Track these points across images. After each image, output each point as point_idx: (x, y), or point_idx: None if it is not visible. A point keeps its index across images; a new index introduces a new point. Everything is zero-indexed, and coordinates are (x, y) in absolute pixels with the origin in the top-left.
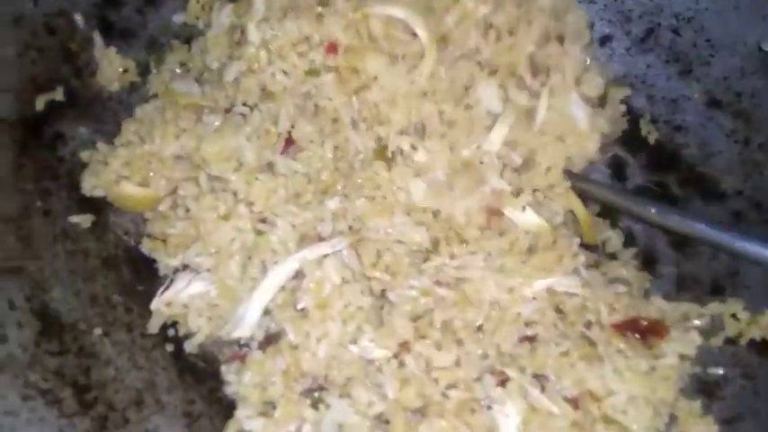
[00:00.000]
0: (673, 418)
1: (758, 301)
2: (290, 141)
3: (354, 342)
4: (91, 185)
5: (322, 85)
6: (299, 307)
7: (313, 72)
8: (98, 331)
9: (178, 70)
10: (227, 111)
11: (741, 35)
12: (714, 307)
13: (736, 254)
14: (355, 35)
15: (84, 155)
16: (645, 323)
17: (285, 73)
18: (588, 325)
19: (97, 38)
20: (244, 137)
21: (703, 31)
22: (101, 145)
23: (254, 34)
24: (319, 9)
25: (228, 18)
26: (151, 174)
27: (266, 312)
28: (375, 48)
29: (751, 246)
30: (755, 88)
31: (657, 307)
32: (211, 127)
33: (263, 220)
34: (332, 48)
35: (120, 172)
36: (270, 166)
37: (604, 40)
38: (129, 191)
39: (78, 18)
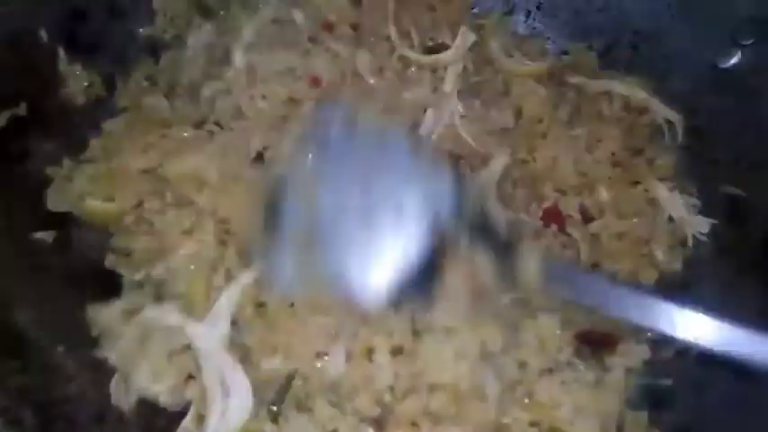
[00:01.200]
0: (620, 429)
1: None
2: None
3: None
4: (55, 201)
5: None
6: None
7: (294, 100)
8: (61, 348)
9: (145, 84)
10: (197, 126)
11: (698, 52)
12: None
13: None
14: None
15: (50, 170)
16: (596, 335)
17: (264, 97)
18: None
19: (62, 52)
20: (206, 155)
21: (661, 46)
22: (66, 161)
23: (239, 59)
24: (309, 45)
25: (207, 36)
26: (117, 189)
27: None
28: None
29: None
30: (710, 104)
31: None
32: (177, 142)
33: (227, 232)
34: (315, 81)
35: (84, 188)
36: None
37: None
38: (94, 206)
39: (42, 33)
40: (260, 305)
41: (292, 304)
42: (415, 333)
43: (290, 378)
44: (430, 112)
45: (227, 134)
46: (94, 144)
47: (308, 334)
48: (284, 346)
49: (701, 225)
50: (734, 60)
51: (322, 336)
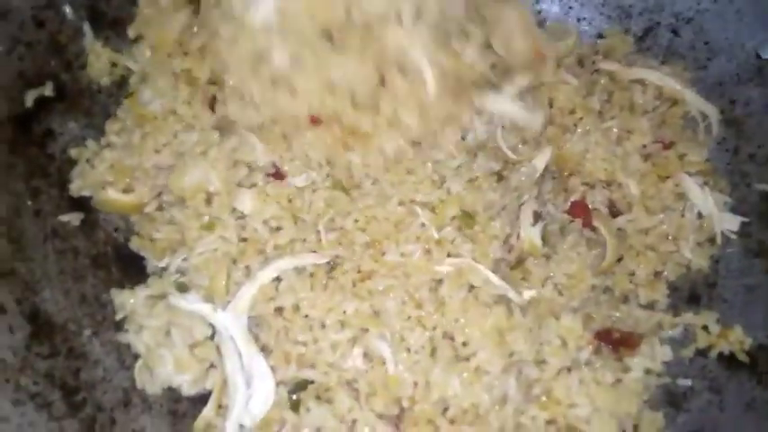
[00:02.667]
0: (635, 428)
1: (732, 315)
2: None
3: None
4: (78, 187)
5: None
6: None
7: None
8: (87, 332)
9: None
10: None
11: (740, 40)
12: (688, 318)
13: None
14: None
15: (74, 152)
16: (617, 334)
17: None
18: None
19: (87, 29)
20: (209, 164)
21: (702, 33)
22: (90, 143)
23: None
24: None
25: None
26: (135, 181)
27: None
28: None
29: None
30: (750, 96)
31: (633, 315)
32: (187, 145)
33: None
34: (314, 120)
35: (105, 176)
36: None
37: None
38: (114, 197)
39: (67, 9)
40: (277, 309)
41: (306, 315)
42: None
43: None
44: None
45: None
46: (111, 129)
47: (323, 346)
48: (299, 355)
49: (731, 223)
50: None
51: (339, 347)
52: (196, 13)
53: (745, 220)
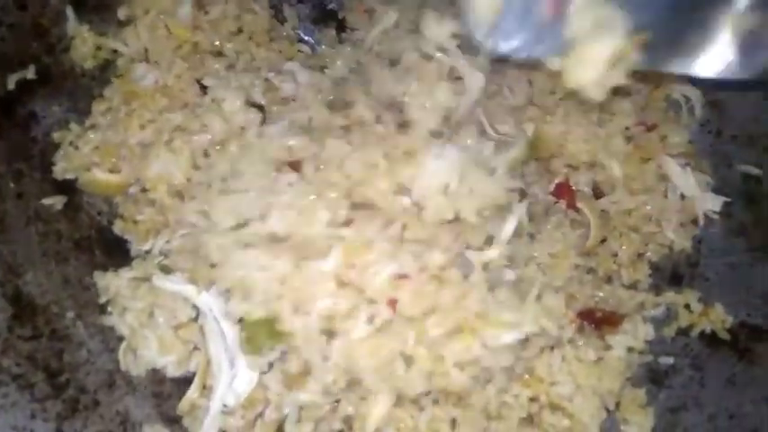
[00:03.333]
0: (617, 405)
1: (713, 294)
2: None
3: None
4: (62, 169)
5: None
6: None
7: None
8: (71, 314)
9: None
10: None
11: None
12: (670, 296)
13: None
14: None
15: (57, 135)
16: (600, 314)
17: None
18: None
19: (70, 12)
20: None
21: None
22: (73, 126)
23: None
24: None
25: None
26: (122, 160)
27: None
28: None
29: None
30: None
31: (616, 295)
32: (172, 124)
33: None
34: None
35: (90, 157)
36: None
37: None
38: (99, 177)
39: None
40: None
41: None
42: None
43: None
44: None
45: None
46: (97, 109)
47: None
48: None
49: (712, 203)
50: None
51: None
52: None
53: (727, 200)
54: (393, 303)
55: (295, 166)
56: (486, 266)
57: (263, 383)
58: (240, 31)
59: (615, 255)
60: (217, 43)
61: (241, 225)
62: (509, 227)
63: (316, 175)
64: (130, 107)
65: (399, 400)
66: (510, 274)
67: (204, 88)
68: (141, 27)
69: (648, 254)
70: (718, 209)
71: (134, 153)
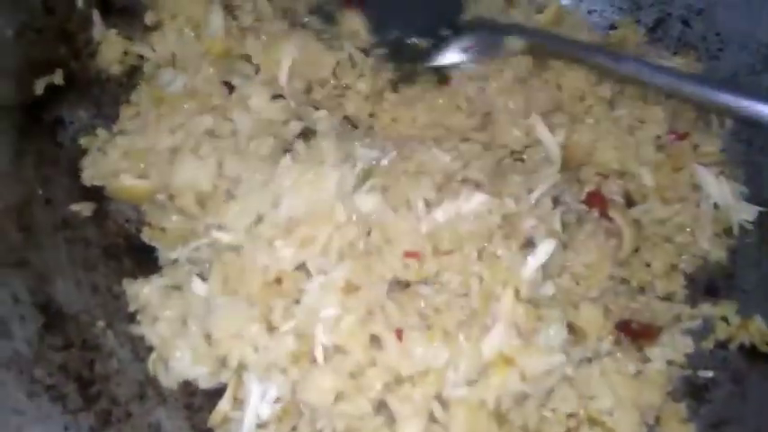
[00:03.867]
0: (657, 420)
1: (751, 305)
2: None
3: None
4: (90, 176)
5: None
6: None
7: None
8: (101, 323)
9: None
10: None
11: (751, 31)
12: (706, 309)
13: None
14: None
15: (84, 141)
16: (636, 326)
17: None
18: None
19: (96, 17)
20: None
21: (714, 24)
22: (100, 131)
23: None
24: None
25: None
26: (150, 166)
27: None
28: None
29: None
30: (763, 87)
31: (651, 306)
32: (201, 127)
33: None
34: None
35: (118, 164)
36: None
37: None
38: (128, 183)
39: None
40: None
41: None
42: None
43: None
44: None
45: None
46: (125, 114)
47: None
48: None
49: (747, 212)
50: None
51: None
52: None
53: (762, 209)
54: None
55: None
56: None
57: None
58: None
59: (648, 265)
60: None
61: (258, 221)
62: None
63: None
64: (158, 112)
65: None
66: (549, 288)
67: (232, 90)
68: (169, 32)
69: (683, 265)
70: (752, 218)
71: (162, 159)
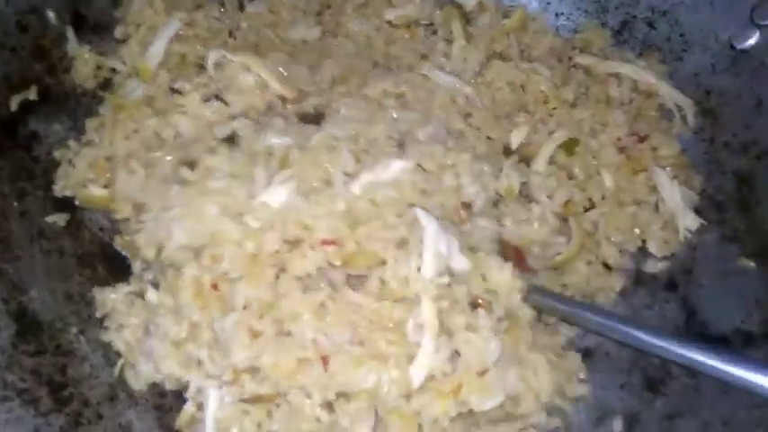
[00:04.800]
0: None
1: (709, 300)
2: None
3: None
4: (62, 187)
5: None
6: None
7: None
8: (74, 330)
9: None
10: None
11: (714, 31)
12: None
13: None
14: None
15: (57, 153)
16: None
17: None
18: None
19: (70, 34)
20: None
21: (678, 25)
22: (72, 143)
23: None
24: None
25: None
26: (112, 174)
27: None
28: None
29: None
30: (724, 86)
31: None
32: (149, 131)
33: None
34: None
35: (86, 174)
36: None
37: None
38: (95, 193)
39: (50, 14)
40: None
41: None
42: None
43: None
44: None
45: None
46: (91, 127)
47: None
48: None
49: (691, 221)
50: (751, 41)
51: None
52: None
53: (704, 222)
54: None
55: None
56: None
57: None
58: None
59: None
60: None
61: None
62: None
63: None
64: (117, 119)
65: None
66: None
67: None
68: (133, 43)
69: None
70: (694, 228)
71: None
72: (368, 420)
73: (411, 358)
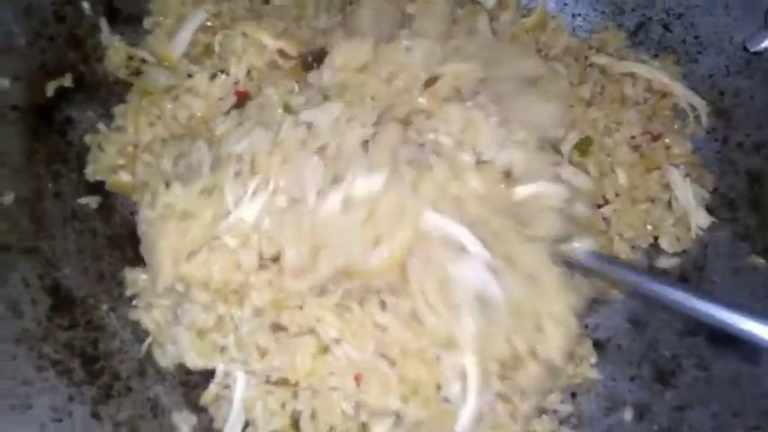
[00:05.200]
0: None
1: (720, 296)
2: None
3: None
4: (93, 171)
5: None
6: None
7: None
8: (105, 306)
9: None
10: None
11: (728, 34)
12: None
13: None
14: None
15: (88, 138)
16: None
17: None
18: None
19: (103, 24)
20: None
21: (693, 27)
22: (101, 127)
23: None
24: None
25: None
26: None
27: None
28: None
29: None
30: (738, 88)
31: None
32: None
33: None
34: None
35: (116, 160)
36: None
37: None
38: (124, 179)
39: (85, 5)
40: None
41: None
42: None
43: None
44: None
45: None
46: (119, 113)
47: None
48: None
49: (702, 219)
50: (765, 44)
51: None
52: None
53: (715, 220)
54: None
55: None
56: None
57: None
58: None
59: None
60: None
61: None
62: None
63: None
64: (141, 106)
65: None
66: None
67: None
68: (161, 33)
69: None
70: (705, 226)
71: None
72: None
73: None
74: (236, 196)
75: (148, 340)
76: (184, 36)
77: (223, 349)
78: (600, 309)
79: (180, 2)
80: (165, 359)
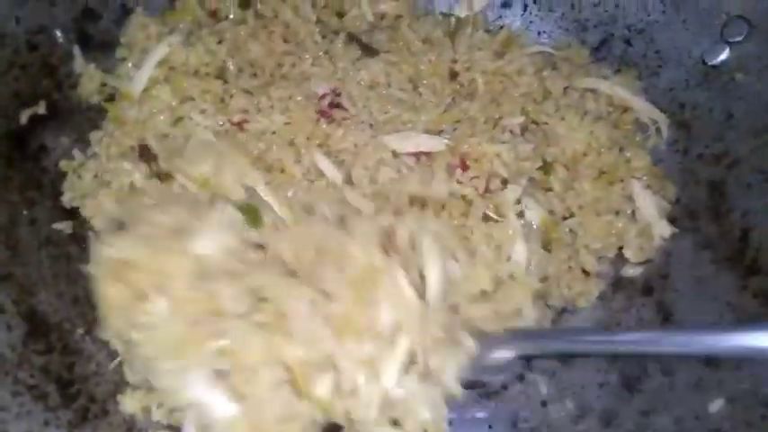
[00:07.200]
0: None
1: (684, 304)
2: None
3: None
4: (69, 198)
5: None
6: None
7: None
8: (80, 330)
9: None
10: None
11: (687, 48)
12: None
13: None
14: None
15: (63, 165)
16: None
17: None
18: None
19: (77, 52)
20: None
21: (653, 42)
22: (77, 153)
23: None
24: None
25: None
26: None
27: None
28: None
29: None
30: (697, 101)
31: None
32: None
33: None
34: None
35: (92, 185)
36: None
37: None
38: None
39: (58, 34)
40: None
41: None
42: None
43: None
44: None
45: None
46: (94, 138)
47: None
48: None
49: (664, 229)
50: (722, 57)
51: None
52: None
53: (675, 230)
54: None
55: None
56: None
57: None
58: None
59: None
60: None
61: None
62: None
63: None
64: (117, 134)
65: None
66: None
67: None
68: (129, 65)
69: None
70: (667, 236)
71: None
72: None
73: None
74: None
75: (118, 359)
76: (144, 72)
77: None
78: (568, 318)
79: (145, 36)
80: (135, 377)
